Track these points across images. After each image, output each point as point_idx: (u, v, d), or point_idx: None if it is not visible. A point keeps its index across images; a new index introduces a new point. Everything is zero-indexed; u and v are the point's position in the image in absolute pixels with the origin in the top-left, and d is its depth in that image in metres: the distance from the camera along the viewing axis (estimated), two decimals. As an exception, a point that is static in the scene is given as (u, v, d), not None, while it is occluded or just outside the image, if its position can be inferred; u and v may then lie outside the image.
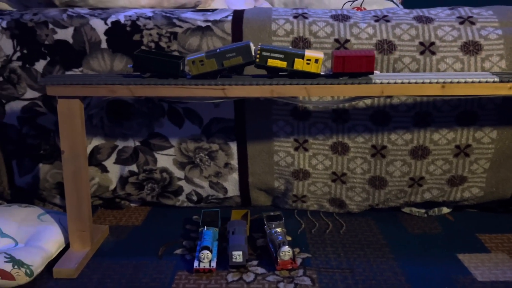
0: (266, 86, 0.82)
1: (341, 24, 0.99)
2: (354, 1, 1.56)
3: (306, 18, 1.00)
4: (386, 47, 0.97)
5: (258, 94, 0.83)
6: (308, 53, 0.81)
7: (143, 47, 1.00)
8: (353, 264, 0.89)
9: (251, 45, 0.81)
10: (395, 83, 0.80)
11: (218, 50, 0.81)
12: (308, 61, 0.81)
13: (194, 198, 1.13)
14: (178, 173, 1.10)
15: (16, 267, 0.79)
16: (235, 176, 1.09)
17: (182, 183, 1.11)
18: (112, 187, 1.11)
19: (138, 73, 0.86)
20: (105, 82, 0.82)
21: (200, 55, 0.81)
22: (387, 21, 0.99)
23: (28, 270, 0.80)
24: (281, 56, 0.81)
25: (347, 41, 0.97)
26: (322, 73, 0.84)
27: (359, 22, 0.99)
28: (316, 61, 0.81)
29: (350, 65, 0.81)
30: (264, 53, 0.81)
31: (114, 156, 1.08)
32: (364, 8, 1.57)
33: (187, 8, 1.20)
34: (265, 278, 0.84)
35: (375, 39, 0.97)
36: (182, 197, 1.13)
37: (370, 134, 1.01)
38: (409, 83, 0.80)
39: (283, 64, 0.81)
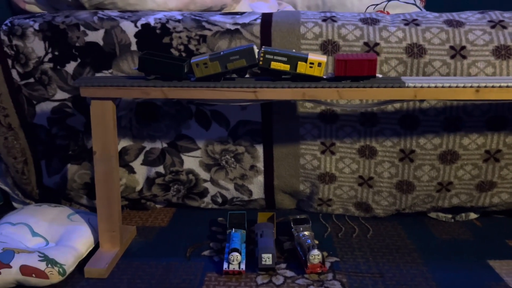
0: (298, 89, 0.82)
1: (370, 28, 0.99)
2: (377, 5, 1.56)
3: (335, 21, 1.00)
4: (416, 50, 0.96)
5: (289, 97, 0.83)
6: (311, 56, 0.81)
7: (172, 50, 1.01)
8: (383, 268, 0.88)
9: (255, 48, 0.82)
10: (428, 87, 0.80)
11: (222, 53, 0.82)
12: (311, 65, 0.81)
13: (219, 200, 1.13)
14: (204, 175, 1.10)
15: (49, 266, 0.80)
16: (260, 178, 1.09)
17: (208, 185, 1.11)
18: (138, 188, 1.11)
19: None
20: (139, 84, 0.83)
21: (204, 57, 0.82)
22: (417, 24, 0.98)
23: (61, 269, 0.81)
24: (285, 59, 0.81)
25: (376, 44, 0.97)
26: (324, 77, 0.84)
27: (389, 26, 0.99)
28: (319, 64, 0.81)
29: (352, 69, 0.81)
30: (267, 56, 0.81)
31: (141, 157, 1.09)
32: (388, 12, 1.56)
33: (213, 11, 1.21)
34: (295, 281, 0.84)
35: (405, 42, 0.97)
36: (207, 199, 1.13)
37: (398, 138, 1.01)
38: (442, 87, 0.80)
39: (286, 67, 0.82)
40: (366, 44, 0.97)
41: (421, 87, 0.80)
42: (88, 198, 1.13)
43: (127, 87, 0.83)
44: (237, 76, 0.87)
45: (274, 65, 0.81)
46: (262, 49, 0.81)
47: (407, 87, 0.80)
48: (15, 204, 1.17)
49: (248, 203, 1.14)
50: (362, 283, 0.84)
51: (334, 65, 0.82)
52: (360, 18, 1.02)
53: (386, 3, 1.57)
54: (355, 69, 0.81)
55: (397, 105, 0.99)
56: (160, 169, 1.09)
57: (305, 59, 0.81)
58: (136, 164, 1.10)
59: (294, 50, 0.83)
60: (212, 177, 1.10)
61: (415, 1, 1.61)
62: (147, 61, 0.83)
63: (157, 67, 0.83)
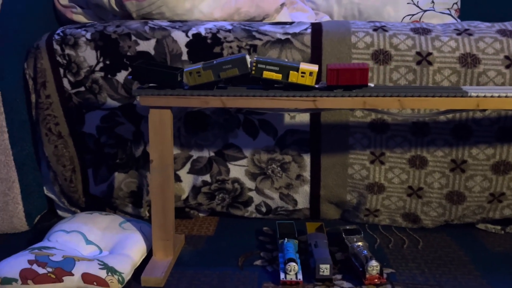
0: (359, 98, 0.82)
1: (422, 37, 0.98)
2: (413, 15, 1.56)
3: (386, 30, 1.00)
4: (470, 60, 0.96)
5: (349, 106, 0.83)
6: (303, 65, 0.81)
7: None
8: (440, 280, 0.87)
9: (247, 57, 0.82)
10: (491, 96, 0.79)
11: (214, 62, 0.82)
12: (303, 74, 0.81)
13: (263, 209, 1.13)
14: (249, 184, 1.10)
15: (110, 274, 0.80)
16: (306, 188, 1.09)
17: (253, 194, 1.11)
18: (184, 196, 1.11)
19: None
20: (199, 93, 0.83)
21: (197, 66, 0.83)
22: (470, 34, 0.98)
23: (120, 278, 0.81)
24: (277, 68, 0.81)
25: (429, 54, 0.97)
26: (316, 86, 0.84)
27: (441, 36, 0.98)
28: (311, 74, 0.81)
29: (344, 78, 0.81)
30: (259, 65, 0.82)
31: (188, 166, 1.09)
32: (423, 22, 1.56)
33: (256, 21, 1.22)
34: (354, 293, 0.83)
35: (458, 52, 0.96)
36: (251, 208, 1.13)
37: (450, 148, 1.00)
38: (506, 96, 0.79)
39: (278, 76, 0.82)
40: (418, 53, 0.97)
41: (484, 96, 0.79)
42: (134, 207, 1.13)
43: (187, 96, 0.84)
44: (230, 85, 0.87)
45: (266, 74, 0.82)
46: (255, 58, 0.82)
47: (470, 96, 0.80)
48: (59, 212, 1.18)
49: (292, 212, 1.13)
50: (422, 295, 0.82)
51: (326, 74, 0.82)
52: (411, 27, 1.01)
53: (422, 13, 1.57)
54: (347, 78, 0.81)
55: (450, 115, 0.98)
56: (207, 177, 1.09)
57: (296, 69, 0.81)
58: (183, 173, 1.10)
59: (286, 60, 0.84)
60: (257, 186, 1.10)
61: (450, 12, 1.61)
62: (141, 70, 0.84)
63: (151, 76, 0.84)
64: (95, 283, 0.78)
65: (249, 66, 0.82)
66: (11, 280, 0.76)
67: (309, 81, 0.81)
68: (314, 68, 0.81)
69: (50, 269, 0.77)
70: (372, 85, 0.84)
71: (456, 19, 1.61)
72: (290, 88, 0.84)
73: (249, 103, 0.84)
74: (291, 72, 0.81)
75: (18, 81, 1.05)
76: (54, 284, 0.77)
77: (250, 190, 1.10)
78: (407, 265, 0.93)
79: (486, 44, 0.96)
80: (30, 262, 0.78)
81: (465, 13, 1.73)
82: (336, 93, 0.82)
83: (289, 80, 0.82)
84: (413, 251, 0.98)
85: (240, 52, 1.02)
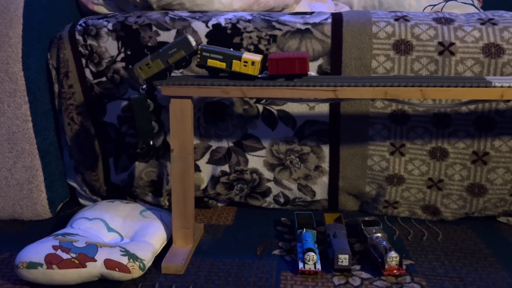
0: (380, 88, 0.81)
1: (445, 27, 0.97)
2: (435, 6, 1.53)
3: (407, 20, 0.99)
4: (494, 50, 0.94)
5: (370, 96, 0.82)
6: (246, 55, 0.82)
7: (242, 50, 1.01)
8: (461, 272, 0.86)
9: (189, 37, 0.83)
10: (516, 87, 0.78)
11: (160, 51, 0.83)
12: (245, 63, 0.82)
13: (281, 200, 1.13)
14: (267, 174, 1.10)
15: (131, 260, 0.81)
16: (325, 179, 1.09)
17: (271, 184, 1.11)
18: (203, 186, 1.13)
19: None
20: (219, 83, 0.84)
21: (145, 60, 0.84)
22: (494, 24, 0.96)
23: (141, 264, 0.82)
24: (220, 57, 0.82)
25: (451, 44, 0.95)
26: (259, 75, 0.85)
27: (464, 25, 0.97)
28: (253, 63, 0.82)
29: (284, 67, 0.81)
30: (204, 54, 0.83)
31: (207, 156, 1.10)
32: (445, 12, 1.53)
33: (275, 12, 1.21)
34: (373, 283, 0.83)
35: (481, 42, 0.94)
36: (269, 199, 1.14)
37: (472, 139, 0.99)
38: (532, 87, 0.78)
39: (222, 65, 0.83)
40: (440, 43, 0.96)
41: (509, 87, 0.78)
42: (154, 196, 1.15)
43: (207, 86, 0.84)
44: (183, 68, 0.88)
45: (211, 62, 0.83)
46: (200, 46, 0.83)
47: (494, 86, 0.78)
48: (81, 201, 1.20)
49: (310, 204, 1.13)
50: (442, 287, 0.82)
51: (267, 64, 0.83)
52: (433, 17, 1.00)
53: (443, 4, 1.54)
54: (286, 68, 0.81)
55: (472, 106, 0.97)
56: (226, 168, 1.10)
57: (239, 58, 0.82)
58: (202, 163, 1.11)
59: (232, 49, 0.85)
60: (275, 177, 1.10)
61: (473, 2, 1.58)
62: None
63: None
64: (117, 269, 0.80)
65: (193, 45, 0.83)
66: (37, 265, 0.78)
67: (252, 70, 0.83)
68: (257, 58, 0.82)
69: (73, 255, 0.79)
70: (312, 73, 0.85)
71: (479, 9, 1.58)
72: (234, 77, 0.85)
73: (269, 93, 0.84)
74: (234, 61, 0.82)
75: (42, 71, 1.07)
76: (78, 269, 0.78)
77: (269, 180, 1.11)
78: (427, 257, 0.92)
79: (511, 34, 0.94)
80: (55, 247, 0.80)
81: (488, 3, 1.69)
82: (357, 82, 0.82)
83: (233, 69, 0.83)
84: (433, 243, 0.97)
85: (260, 42, 1.02)
